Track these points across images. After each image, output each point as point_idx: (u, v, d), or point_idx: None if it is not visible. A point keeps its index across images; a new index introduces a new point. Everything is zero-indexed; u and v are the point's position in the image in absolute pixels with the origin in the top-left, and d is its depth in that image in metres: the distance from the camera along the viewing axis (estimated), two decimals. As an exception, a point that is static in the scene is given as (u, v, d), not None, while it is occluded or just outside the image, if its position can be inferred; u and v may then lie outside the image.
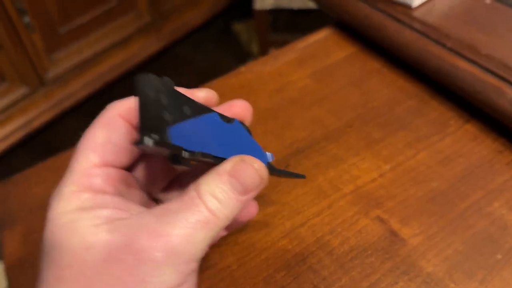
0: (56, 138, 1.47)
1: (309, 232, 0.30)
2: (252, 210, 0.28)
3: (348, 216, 0.31)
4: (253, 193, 0.24)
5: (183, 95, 0.25)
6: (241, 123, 0.27)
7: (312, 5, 1.36)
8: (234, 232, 0.31)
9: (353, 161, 0.34)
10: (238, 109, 0.28)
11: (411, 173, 0.33)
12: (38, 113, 1.44)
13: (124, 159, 0.24)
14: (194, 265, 0.22)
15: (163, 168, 0.27)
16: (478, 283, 0.27)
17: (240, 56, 1.65)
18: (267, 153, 0.27)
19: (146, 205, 0.26)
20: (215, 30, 1.79)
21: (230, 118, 0.27)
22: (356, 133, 0.36)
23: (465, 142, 0.34)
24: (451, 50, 0.36)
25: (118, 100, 0.25)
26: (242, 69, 0.44)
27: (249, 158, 0.24)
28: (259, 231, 0.31)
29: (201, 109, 0.25)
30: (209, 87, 0.42)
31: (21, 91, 1.39)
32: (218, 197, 0.22)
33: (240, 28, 1.76)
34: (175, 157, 0.22)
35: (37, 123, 1.44)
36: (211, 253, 0.30)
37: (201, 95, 0.27)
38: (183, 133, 0.22)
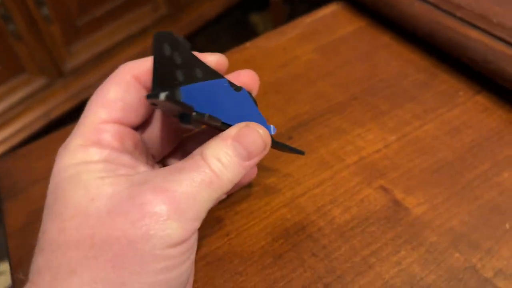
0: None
1: (310, 202, 0.29)
2: (252, 172, 0.29)
3: (350, 186, 0.30)
4: (257, 159, 0.24)
5: (196, 57, 0.25)
6: (248, 92, 0.27)
7: (328, -6, 1.34)
8: (234, 200, 0.30)
9: (358, 133, 0.33)
10: (246, 78, 0.28)
11: (417, 144, 0.32)
12: (57, 103, 1.46)
13: (134, 118, 0.24)
14: (197, 224, 0.22)
15: (169, 133, 0.27)
16: (484, 253, 0.26)
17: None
18: (270, 125, 0.27)
19: (151, 168, 0.26)
20: (232, 22, 1.78)
21: (238, 86, 0.27)
22: (361, 106, 0.35)
23: (475, 113, 0.33)
24: (462, 20, 0.35)
25: (132, 61, 0.25)
26: (247, 44, 0.43)
27: (254, 124, 0.24)
28: (259, 200, 0.30)
29: (212, 74, 0.25)
30: (215, 63, 0.42)
31: (40, 82, 1.41)
32: (222, 160, 0.22)
33: (257, 20, 1.75)
34: (185, 116, 0.22)
35: (55, 114, 1.46)
36: (210, 220, 0.29)
37: (212, 59, 0.27)
38: (193, 94, 0.23)
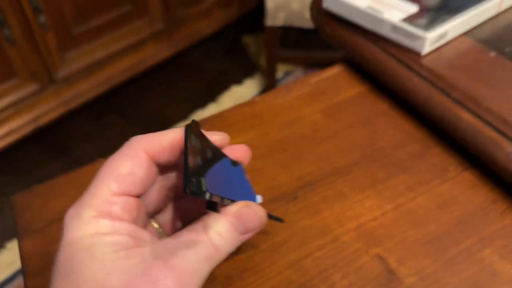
0: (63, 135, 1.49)
1: (313, 265, 0.33)
2: None
3: (350, 252, 0.33)
4: (252, 233, 0.28)
5: (205, 137, 0.28)
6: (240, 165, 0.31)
7: (322, 25, 1.38)
8: (243, 258, 0.33)
9: (358, 198, 0.37)
10: (240, 153, 0.31)
11: (411, 215, 0.35)
12: (46, 110, 1.47)
13: (140, 190, 0.27)
14: None
15: (164, 195, 0.30)
16: (465, 325, 0.29)
17: (248, 67, 1.68)
18: (257, 195, 0.31)
19: (147, 227, 0.29)
20: (225, 41, 1.82)
21: (235, 161, 0.30)
22: (362, 171, 0.39)
23: (463, 189, 0.37)
24: (455, 100, 0.39)
25: (143, 135, 0.28)
26: (256, 98, 0.46)
27: (253, 204, 0.28)
28: (266, 259, 0.33)
29: (218, 153, 0.29)
30: (224, 114, 0.45)
31: (31, 87, 1.42)
32: (223, 235, 0.26)
33: (250, 41, 1.79)
34: (212, 204, 0.25)
35: (44, 120, 1.47)
36: (220, 277, 0.32)
37: (217, 138, 0.30)
38: (212, 180, 0.25)
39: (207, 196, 0.24)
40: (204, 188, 0.24)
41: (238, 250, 0.33)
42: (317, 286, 0.31)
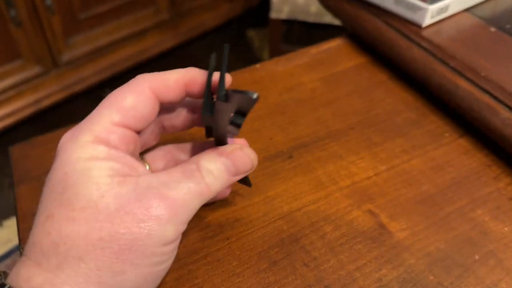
0: (64, 119, 1.49)
1: (305, 217, 0.33)
2: (226, 191, 0.33)
3: (342, 207, 0.33)
4: (242, 175, 0.28)
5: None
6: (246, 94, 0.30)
7: (326, 20, 1.39)
8: (236, 209, 0.33)
9: (352, 159, 0.37)
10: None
11: (404, 175, 0.35)
12: (49, 93, 1.47)
13: (140, 126, 0.27)
14: (185, 226, 0.26)
15: (157, 132, 0.31)
16: (455, 278, 0.29)
17: (251, 62, 1.67)
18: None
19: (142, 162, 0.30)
20: (229, 34, 1.82)
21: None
22: (357, 135, 0.39)
23: (457, 154, 0.37)
24: (453, 69, 0.39)
25: (149, 74, 0.28)
26: (257, 66, 0.47)
27: (247, 148, 0.28)
28: (258, 210, 0.33)
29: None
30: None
31: (34, 70, 1.42)
32: (214, 173, 0.26)
33: (254, 35, 1.80)
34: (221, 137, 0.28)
35: (46, 103, 1.47)
36: (213, 225, 0.32)
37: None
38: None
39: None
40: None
41: (231, 202, 0.34)
42: (308, 236, 0.31)
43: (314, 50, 0.49)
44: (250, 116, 0.41)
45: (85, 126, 0.25)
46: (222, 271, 0.30)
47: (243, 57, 1.70)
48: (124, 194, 0.24)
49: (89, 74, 1.52)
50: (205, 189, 0.26)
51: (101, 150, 0.25)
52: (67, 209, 0.23)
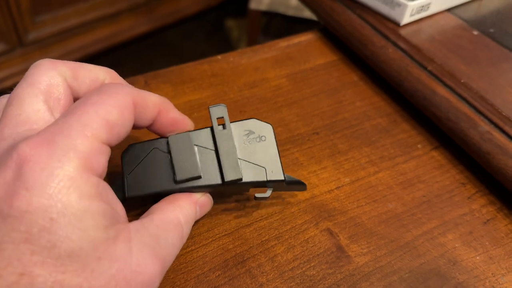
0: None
1: (255, 234, 0.29)
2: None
3: (297, 224, 0.29)
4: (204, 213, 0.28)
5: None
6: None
7: (307, 14, 1.35)
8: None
9: (314, 169, 0.33)
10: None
11: (369, 190, 0.32)
12: (12, 72, 1.39)
13: (117, 143, 0.23)
14: None
15: None
16: (417, 314, 0.26)
17: (227, 52, 1.63)
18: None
19: None
20: (207, 23, 1.76)
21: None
22: (321, 142, 0.35)
23: (429, 168, 0.33)
24: (431, 73, 0.36)
25: (130, 86, 0.24)
26: (219, 57, 0.42)
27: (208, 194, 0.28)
28: (202, 225, 0.29)
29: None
30: (182, 69, 0.41)
31: (-3, 47, 1.34)
32: (189, 222, 0.25)
33: (232, 25, 1.74)
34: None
35: (8, 83, 1.39)
36: (147, 240, 0.28)
37: (190, 124, 0.28)
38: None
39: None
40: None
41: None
42: (256, 257, 0.27)
43: (284, 43, 0.44)
44: (202, 113, 0.36)
45: (63, 143, 0.19)
46: (153, 296, 0.25)
47: (220, 48, 1.64)
48: (120, 255, 0.20)
49: (57, 55, 1.45)
50: (182, 240, 0.25)
51: (92, 183, 0.20)
52: (57, 271, 0.18)
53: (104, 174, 0.21)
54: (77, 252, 0.18)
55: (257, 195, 0.27)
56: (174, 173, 0.25)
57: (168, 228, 0.24)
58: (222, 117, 0.26)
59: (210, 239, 0.28)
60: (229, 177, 0.25)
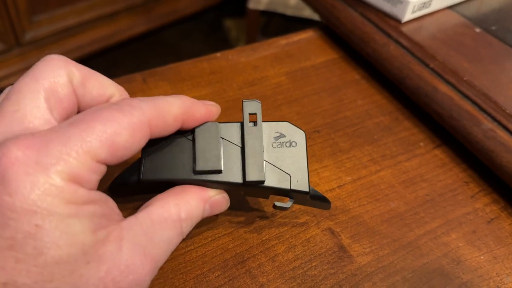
0: (23, 102, 1.41)
1: (255, 234, 0.28)
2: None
3: (298, 223, 0.29)
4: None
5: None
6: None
7: (306, 14, 1.35)
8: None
9: (315, 167, 0.32)
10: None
11: (371, 189, 0.31)
12: (9, 73, 1.38)
13: (118, 163, 0.21)
14: None
15: None
16: (421, 314, 0.25)
17: (226, 52, 1.62)
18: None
19: None
20: (206, 23, 1.76)
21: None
22: (322, 140, 0.34)
23: (432, 167, 0.33)
24: (433, 71, 0.35)
25: (148, 103, 0.22)
26: (218, 54, 0.42)
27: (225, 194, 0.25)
28: (201, 224, 0.28)
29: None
30: (181, 67, 0.40)
31: (-6, 47, 1.34)
32: (193, 220, 0.23)
33: (231, 25, 1.73)
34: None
35: (6, 83, 1.38)
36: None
37: (215, 111, 0.25)
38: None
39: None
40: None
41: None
42: (256, 257, 0.27)
43: (284, 41, 0.44)
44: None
45: (56, 152, 0.18)
46: (151, 297, 0.25)
47: (218, 47, 1.64)
48: (109, 256, 0.19)
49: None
50: (181, 236, 0.23)
51: (82, 193, 0.19)
52: (44, 280, 0.17)
53: (94, 189, 0.20)
54: (65, 259, 0.18)
55: (277, 203, 0.25)
56: (194, 162, 0.24)
57: (164, 224, 0.22)
58: (255, 114, 0.25)
59: (210, 239, 0.28)
60: (251, 177, 0.24)
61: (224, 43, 1.66)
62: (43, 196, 0.17)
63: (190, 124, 0.24)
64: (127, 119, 0.20)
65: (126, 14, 1.56)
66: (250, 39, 1.47)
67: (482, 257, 0.28)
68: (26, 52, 1.40)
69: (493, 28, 0.40)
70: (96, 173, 0.20)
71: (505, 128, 0.31)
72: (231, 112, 0.36)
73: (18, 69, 1.39)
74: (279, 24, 1.51)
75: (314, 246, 0.28)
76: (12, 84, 0.22)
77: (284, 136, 0.25)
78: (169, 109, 0.22)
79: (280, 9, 1.35)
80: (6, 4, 1.29)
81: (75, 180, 0.19)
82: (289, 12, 1.35)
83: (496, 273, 0.27)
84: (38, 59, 0.23)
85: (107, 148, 0.19)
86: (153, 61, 1.56)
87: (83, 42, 1.48)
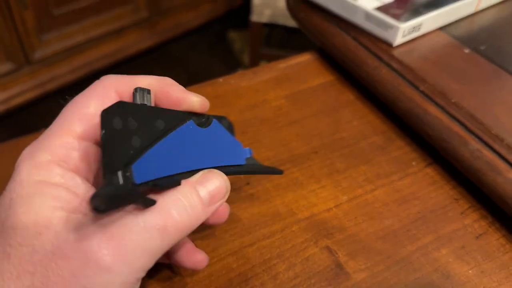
0: (34, 119, 1.45)
1: (257, 253, 0.30)
2: (224, 213, 0.28)
3: (298, 242, 0.31)
4: (219, 204, 0.24)
5: (157, 108, 0.24)
6: (221, 118, 0.28)
7: (308, 25, 1.37)
8: (183, 243, 0.30)
9: (313, 188, 0.34)
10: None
11: (366, 207, 0.33)
12: (20, 91, 1.42)
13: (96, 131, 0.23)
14: (141, 275, 0.21)
15: None
16: (412, 327, 0.27)
17: (231, 63, 1.65)
18: (246, 148, 0.29)
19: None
20: (210, 35, 1.79)
21: (207, 119, 0.27)
22: (320, 160, 0.36)
23: (424, 185, 0.35)
24: (423, 93, 0.37)
25: (116, 75, 0.24)
26: (220, 80, 0.44)
27: (216, 170, 0.25)
28: (207, 245, 0.30)
29: (176, 119, 0.24)
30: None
31: (5, 66, 1.37)
32: (182, 202, 0.22)
33: (235, 37, 1.76)
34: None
35: (17, 101, 1.42)
36: (156, 261, 0.29)
37: (196, 99, 0.26)
38: (152, 159, 0.22)
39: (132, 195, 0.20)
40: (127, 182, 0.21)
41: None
42: (259, 276, 0.29)
43: (283, 65, 0.46)
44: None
45: (44, 142, 0.22)
46: (162, 315, 0.27)
47: (223, 58, 1.67)
48: (64, 233, 0.20)
49: (63, 72, 1.48)
50: (169, 222, 0.21)
51: (56, 172, 0.21)
52: (5, 242, 0.20)
53: (81, 167, 0.22)
54: (21, 227, 0.20)
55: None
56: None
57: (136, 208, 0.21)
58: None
59: (215, 259, 0.30)
60: None
61: (229, 55, 1.69)
62: (25, 175, 0.21)
63: (165, 103, 0.25)
64: (92, 90, 0.23)
65: (132, 29, 1.60)
66: (254, 51, 1.49)
67: (470, 271, 0.30)
68: (36, 70, 1.44)
69: (482, 48, 0.42)
70: (75, 151, 0.22)
71: (491, 148, 0.32)
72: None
73: (28, 87, 1.43)
74: (281, 35, 1.53)
75: (313, 264, 0.30)
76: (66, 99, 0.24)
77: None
78: (138, 79, 0.24)
79: (283, 21, 1.37)
80: (15, 23, 1.33)
81: (55, 159, 0.21)
82: (291, 23, 1.37)
83: (484, 287, 0.29)
84: (47, 77, 0.25)
85: (79, 120, 0.22)
86: (161, 75, 1.59)
87: (92, 59, 1.52)
